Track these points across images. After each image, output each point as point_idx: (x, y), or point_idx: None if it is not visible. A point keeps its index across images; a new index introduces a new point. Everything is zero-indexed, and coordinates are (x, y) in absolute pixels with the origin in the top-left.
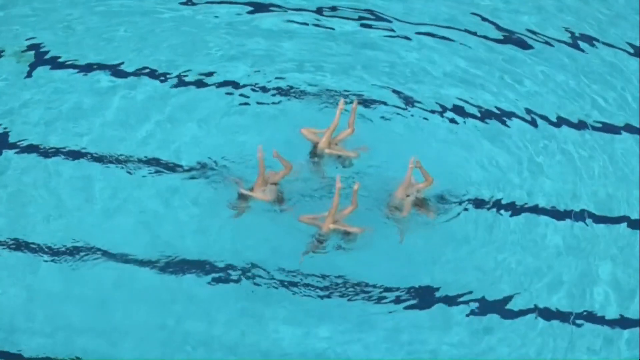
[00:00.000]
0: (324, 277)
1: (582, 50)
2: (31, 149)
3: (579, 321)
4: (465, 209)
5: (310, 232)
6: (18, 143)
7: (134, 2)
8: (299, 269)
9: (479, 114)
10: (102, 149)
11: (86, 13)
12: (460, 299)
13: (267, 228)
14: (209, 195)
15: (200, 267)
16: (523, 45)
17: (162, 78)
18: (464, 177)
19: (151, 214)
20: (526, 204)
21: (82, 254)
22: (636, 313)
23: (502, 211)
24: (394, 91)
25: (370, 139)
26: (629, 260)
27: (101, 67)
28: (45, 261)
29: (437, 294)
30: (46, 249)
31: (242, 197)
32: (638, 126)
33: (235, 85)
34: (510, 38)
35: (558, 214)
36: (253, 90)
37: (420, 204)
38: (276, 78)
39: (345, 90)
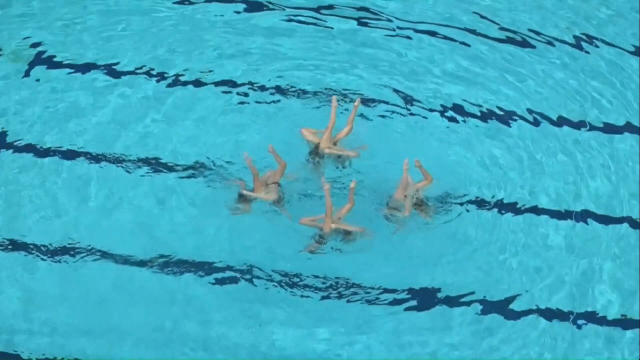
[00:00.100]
0: (323, 278)
1: (583, 49)
2: (28, 148)
3: (580, 321)
4: (466, 209)
5: (309, 232)
6: (15, 142)
7: (132, 0)
8: (299, 271)
9: (479, 113)
10: (99, 148)
11: (84, 12)
12: (461, 300)
13: (266, 229)
14: (207, 195)
15: (199, 268)
16: (524, 44)
17: (160, 77)
18: (465, 176)
19: (148, 214)
20: (527, 203)
21: (79, 254)
22: (638, 313)
23: (503, 211)
24: (394, 90)
25: (370, 139)
26: (630, 260)
27: (98, 66)
28: (42, 261)
29: (438, 295)
30: (43, 249)
31: (243, 198)
32: (639, 125)
33: (234, 84)
34: (511, 37)
35: (559, 214)
36: (252, 89)
37: (419, 204)
38: (275, 77)
39: (345, 89)
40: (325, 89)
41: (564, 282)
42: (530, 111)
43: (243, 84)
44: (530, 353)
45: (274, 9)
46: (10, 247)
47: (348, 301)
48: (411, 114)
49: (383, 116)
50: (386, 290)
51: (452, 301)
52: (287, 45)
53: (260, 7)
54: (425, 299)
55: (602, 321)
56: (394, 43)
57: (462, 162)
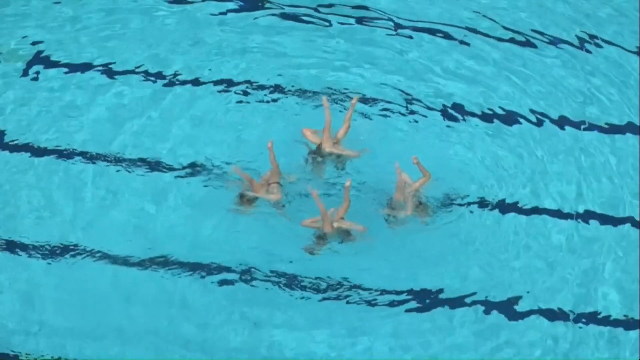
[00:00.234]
0: (323, 279)
1: (585, 49)
2: (25, 147)
3: (582, 322)
4: (468, 209)
5: (308, 233)
6: (11, 142)
7: None
8: (298, 272)
9: (481, 113)
10: (97, 148)
11: (81, 11)
12: (463, 301)
13: (264, 230)
14: (205, 195)
15: (197, 269)
16: (525, 43)
17: (159, 76)
18: (467, 176)
19: (146, 215)
20: (529, 203)
21: (75, 254)
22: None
23: (505, 211)
24: (395, 89)
25: (371, 138)
26: (632, 260)
27: (96, 65)
28: (39, 261)
29: (440, 296)
30: (39, 249)
31: (244, 199)
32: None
33: (233, 83)
34: (512, 36)
35: (561, 214)
36: (251, 88)
37: (418, 204)
38: (274, 76)
39: (345, 88)
40: (326, 88)
41: (566, 282)
42: (531, 110)
43: (242, 83)
44: (532, 354)
45: (273, 8)
46: (5, 247)
47: (348, 302)
48: (412, 113)
49: (383, 115)
50: (387, 291)
51: (454, 302)
52: (286, 44)
53: (259, 6)
54: (426, 299)
55: (605, 322)
56: (394, 42)
57: (463, 161)
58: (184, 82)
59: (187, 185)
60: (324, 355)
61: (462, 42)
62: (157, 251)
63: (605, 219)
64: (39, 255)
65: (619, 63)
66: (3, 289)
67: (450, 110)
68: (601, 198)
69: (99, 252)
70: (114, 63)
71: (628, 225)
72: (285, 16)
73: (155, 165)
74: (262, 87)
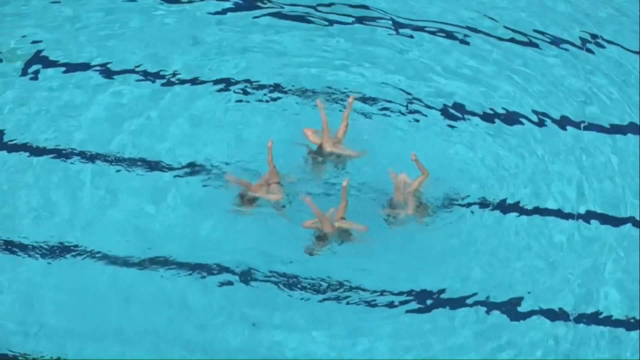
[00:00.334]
0: (323, 280)
1: (586, 48)
2: (23, 147)
3: (584, 322)
4: (469, 209)
5: (308, 234)
6: (9, 142)
7: None
8: (298, 273)
9: (482, 112)
10: (95, 147)
11: (80, 11)
12: (464, 301)
13: (264, 231)
14: (204, 196)
15: (196, 270)
16: (526, 43)
17: (157, 75)
18: (468, 176)
19: (144, 215)
20: (531, 204)
21: (73, 254)
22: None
23: (506, 211)
24: (395, 88)
25: (371, 137)
26: (634, 260)
27: (95, 64)
28: (37, 262)
29: (441, 296)
30: (37, 249)
31: (245, 199)
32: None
33: (232, 82)
34: (513, 35)
35: (563, 214)
36: (250, 87)
37: (419, 204)
38: (274, 75)
39: (345, 88)
40: (326, 87)
41: (567, 282)
42: (532, 110)
43: (242, 83)
44: (533, 354)
45: (272, 7)
46: (4, 247)
47: (348, 303)
48: (412, 113)
49: (384, 115)
50: (387, 292)
51: (455, 302)
52: (286, 43)
53: (258, 5)
54: (427, 300)
55: (606, 322)
56: (394, 41)
57: (464, 161)
58: (183, 82)
59: (186, 185)
60: (324, 356)
61: (462, 42)
62: (156, 251)
63: (606, 219)
64: (37, 256)
65: (620, 62)
66: (2, 289)
67: (451, 110)
68: (602, 198)
69: (97, 252)
70: (113, 62)
71: (629, 225)
72: (285, 15)
73: (154, 165)
74: (261, 87)
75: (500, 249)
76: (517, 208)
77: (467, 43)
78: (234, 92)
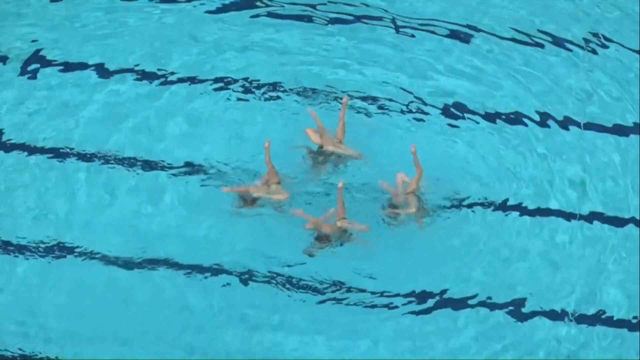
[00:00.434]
0: (322, 281)
1: (589, 47)
2: (20, 147)
3: (586, 322)
4: (471, 209)
5: (307, 234)
6: (7, 141)
7: None
8: (298, 274)
9: (484, 112)
10: (93, 147)
11: (78, 10)
12: (466, 302)
13: (263, 232)
14: (204, 196)
15: (196, 271)
16: (528, 42)
17: (156, 74)
18: (470, 176)
19: (141, 215)
20: (533, 204)
21: (72, 254)
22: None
23: (509, 211)
24: (396, 87)
25: (371, 137)
26: (636, 260)
27: (93, 63)
28: (34, 262)
29: (443, 297)
30: (34, 250)
31: (246, 200)
32: None
33: (231, 81)
34: (515, 35)
35: (565, 214)
36: (250, 86)
37: (419, 204)
38: (274, 74)
39: (345, 87)
40: (326, 86)
41: (570, 283)
42: (534, 109)
43: (241, 81)
44: (536, 355)
45: (272, 5)
46: (1, 247)
47: (348, 304)
48: (413, 112)
49: (384, 114)
50: (388, 293)
51: (457, 303)
52: (286, 42)
53: (258, 3)
54: (429, 301)
55: (608, 322)
56: (395, 39)
57: (465, 160)
58: (181, 80)
59: (185, 185)
60: (323, 357)
61: (463, 40)
62: (155, 252)
63: (608, 219)
64: (35, 256)
65: (623, 62)
66: (0, 290)
67: (452, 109)
68: (605, 198)
69: (95, 252)
70: (111, 62)
71: (631, 225)
72: (284, 14)
73: (153, 165)
74: (261, 85)
75: (501, 249)
76: (518, 208)
77: (468, 42)
78: (233, 91)
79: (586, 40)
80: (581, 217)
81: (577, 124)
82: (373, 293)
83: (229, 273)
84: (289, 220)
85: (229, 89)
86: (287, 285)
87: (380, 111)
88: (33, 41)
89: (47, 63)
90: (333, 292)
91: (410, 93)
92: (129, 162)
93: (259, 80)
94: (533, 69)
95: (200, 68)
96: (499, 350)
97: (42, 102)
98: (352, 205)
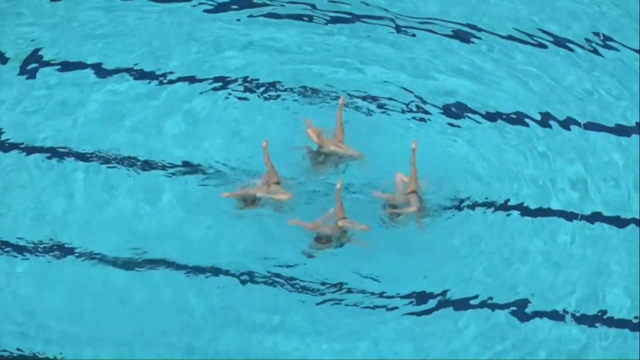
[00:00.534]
0: (322, 282)
1: (590, 47)
2: (18, 146)
3: (588, 322)
4: (472, 209)
5: (307, 235)
6: (5, 141)
7: None
8: (297, 275)
9: (485, 112)
10: (92, 146)
11: (77, 9)
12: (467, 303)
13: (263, 232)
14: (203, 197)
15: (194, 272)
16: (529, 41)
17: (155, 73)
18: (471, 176)
19: (142, 215)
20: (535, 204)
21: (69, 255)
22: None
23: (510, 212)
24: (397, 87)
25: (372, 137)
26: (638, 261)
27: (91, 63)
28: (29, 262)
29: (444, 298)
30: (30, 249)
31: (247, 202)
32: None
33: (231, 80)
34: (516, 34)
35: (567, 215)
36: (249, 85)
37: (420, 203)
38: (273, 73)
39: (345, 86)
40: (326, 85)
41: (571, 283)
42: (536, 109)
43: (240, 80)
44: (538, 355)
45: (272, 4)
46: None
47: (347, 305)
48: (414, 111)
49: (385, 113)
50: (388, 294)
51: (458, 304)
52: (286, 41)
53: (258, 2)
54: (429, 302)
55: (611, 322)
56: (396, 38)
57: (467, 160)
58: (180, 79)
59: (184, 186)
60: (324, 357)
61: (464, 39)
62: (153, 252)
63: (610, 219)
64: (33, 256)
65: (623, 60)
66: None
67: (453, 108)
68: (606, 198)
69: (93, 252)
70: (110, 61)
71: (633, 225)
72: (284, 12)
73: (151, 165)
74: (261, 85)
75: (502, 249)
76: (520, 208)
77: (469, 41)
78: (233, 89)
79: (587, 40)
80: (582, 217)
81: (578, 124)
82: (373, 294)
83: (229, 274)
84: (285, 221)
85: (228, 88)
86: (287, 286)
87: (380, 110)
88: (32, 40)
89: (45, 62)
90: (333, 292)
91: (411, 92)
92: (128, 162)
93: (258, 80)
94: (534, 68)
95: (200, 67)
96: (501, 350)
97: (41, 101)
98: (353, 205)
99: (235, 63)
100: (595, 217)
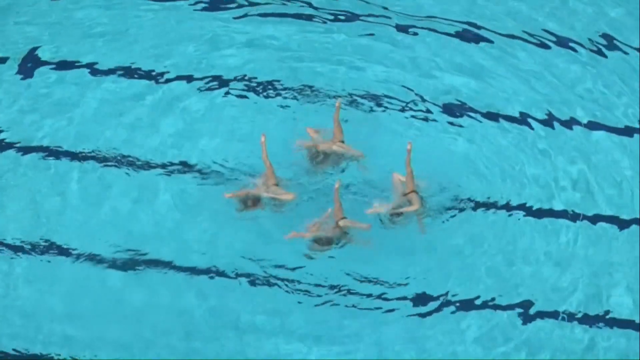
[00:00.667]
0: (322, 284)
1: (593, 46)
2: (14, 146)
3: (592, 323)
4: (474, 210)
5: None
6: (1, 141)
7: None
8: (297, 277)
9: (487, 111)
10: (89, 146)
11: (72, 8)
12: (470, 304)
13: (262, 233)
14: (200, 197)
15: (192, 274)
16: (532, 40)
17: (152, 72)
18: (473, 176)
19: (138, 216)
20: (537, 204)
21: (64, 255)
22: None
23: (513, 212)
24: (397, 85)
25: (372, 136)
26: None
27: (88, 62)
28: (28, 262)
29: (448, 298)
30: (26, 249)
31: (247, 204)
32: None
33: (229, 78)
34: (518, 33)
35: (570, 215)
36: (248, 83)
37: (420, 205)
38: (272, 71)
39: (345, 85)
40: (326, 84)
41: (575, 283)
42: (537, 108)
43: (239, 79)
44: (541, 355)
45: (272, 3)
46: None
47: (347, 306)
48: (415, 110)
49: (385, 112)
50: (389, 295)
51: (460, 304)
52: (285, 39)
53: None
54: (431, 302)
55: (614, 322)
56: (396, 37)
57: (468, 159)
58: (178, 78)
59: (181, 185)
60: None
61: (466, 38)
62: (150, 253)
63: (613, 219)
64: (29, 257)
65: (626, 59)
66: None
67: (454, 107)
68: (609, 197)
69: (89, 253)
70: (107, 59)
71: (636, 225)
72: (284, 11)
73: (148, 164)
74: (259, 83)
75: (505, 249)
76: (522, 208)
77: (470, 39)
78: (231, 88)
79: (589, 39)
80: (585, 217)
81: (581, 123)
82: (374, 295)
83: (226, 275)
84: (287, 221)
85: (226, 86)
86: (287, 287)
87: (380, 109)
88: (29, 39)
89: (42, 61)
90: (334, 294)
91: (412, 90)
92: (125, 162)
93: (257, 78)
94: (536, 67)
95: (197, 65)
96: (503, 351)
97: (37, 100)
98: (353, 205)
99: (234, 61)
100: (598, 217)
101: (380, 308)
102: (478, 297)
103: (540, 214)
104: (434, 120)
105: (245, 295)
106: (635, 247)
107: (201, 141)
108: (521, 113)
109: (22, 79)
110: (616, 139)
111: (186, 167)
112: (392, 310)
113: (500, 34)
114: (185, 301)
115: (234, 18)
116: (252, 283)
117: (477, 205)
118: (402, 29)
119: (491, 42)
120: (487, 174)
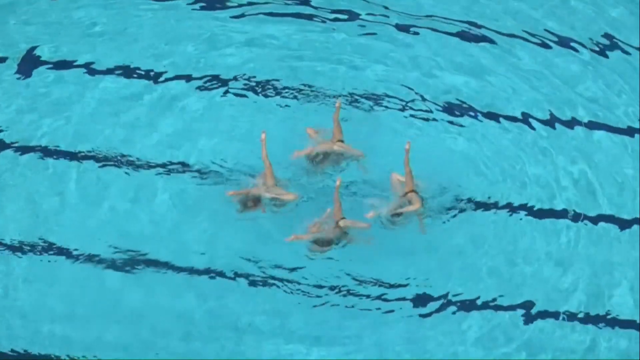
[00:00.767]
0: (321, 284)
1: (595, 46)
2: (12, 145)
3: (593, 323)
4: (475, 210)
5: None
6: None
7: None
8: (297, 278)
9: (488, 110)
10: (87, 146)
11: (71, 7)
12: (471, 304)
13: (261, 234)
14: (198, 198)
15: (190, 274)
16: (533, 40)
17: (150, 71)
18: (473, 175)
19: (137, 216)
20: (538, 204)
21: (62, 255)
22: None
23: (515, 212)
24: (398, 85)
25: (372, 136)
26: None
27: (86, 61)
28: (26, 263)
29: (446, 300)
30: (23, 249)
31: (247, 205)
32: None
33: (228, 78)
34: (519, 32)
35: (571, 215)
36: (247, 83)
37: (420, 204)
38: (272, 70)
39: (345, 84)
40: (326, 83)
41: (576, 283)
42: (538, 107)
43: (238, 78)
44: (543, 356)
45: (272, 2)
46: None
47: (347, 307)
48: (415, 110)
49: (386, 111)
50: (390, 295)
51: (461, 305)
52: (284, 38)
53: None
54: (432, 303)
55: (616, 322)
56: (397, 36)
57: (469, 159)
58: (177, 77)
59: (180, 185)
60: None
61: (466, 37)
62: (149, 254)
63: (614, 219)
64: (27, 257)
65: (627, 59)
66: None
67: (455, 107)
68: (610, 197)
69: (87, 254)
70: (105, 59)
71: (637, 225)
72: (283, 10)
73: (147, 164)
74: (259, 82)
75: (506, 249)
76: (523, 207)
77: (471, 38)
78: (230, 87)
79: (590, 38)
80: (586, 217)
81: (582, 123)
82: (375, 296)
83: (226, 276)
84: (287, 221)
85: (225, 86)
86: (287, 288)
87: (381, 108)
88: (28, 38)
89: (41, 61)
90: (334, 294)
91: (412, 90)
92: (124, 161)
93: (256, 77)
94: (536, 66)
95: (196, 65)
96: (504, 351)
97: (36, 100)
98: (353, 205)
99: (233, 60)
100: (599, 216)
101: (381, 308)
102: (479, 297)
103: (541, 213)
104: (434, 119)
105: (245, 295)
106: (636, 247)
107: (200, 141)
108: (522, 112)
109: (20, 78)
110: (617, 138)
111: (185, 166)
112: (392, 311)
113: (500, 33)
114: (185, 301)
115: (233, 17)
116: (252, 283)
117: (478, 205)
118: (402, 28)
119: (492, 41)
120: (488, 174)
